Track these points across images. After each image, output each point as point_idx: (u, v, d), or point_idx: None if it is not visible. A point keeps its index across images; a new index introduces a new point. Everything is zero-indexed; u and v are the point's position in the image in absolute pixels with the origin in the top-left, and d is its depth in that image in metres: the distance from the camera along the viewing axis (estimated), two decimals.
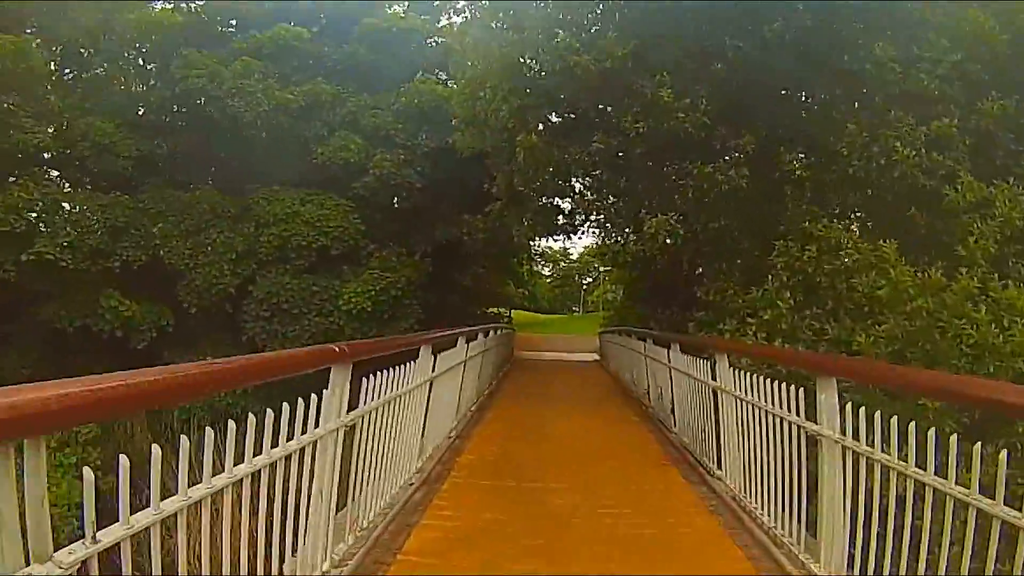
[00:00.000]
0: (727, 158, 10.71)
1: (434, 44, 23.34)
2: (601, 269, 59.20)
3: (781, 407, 4.09)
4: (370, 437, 4.03)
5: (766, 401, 4.36)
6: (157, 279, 19.09)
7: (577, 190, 16.16)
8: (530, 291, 58.79)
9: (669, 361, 8.12)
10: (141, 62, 22.49)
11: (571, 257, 72.93)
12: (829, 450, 3.45)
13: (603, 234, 19.25)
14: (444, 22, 23.54)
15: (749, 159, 10.53)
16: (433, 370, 5.69)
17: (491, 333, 11.28)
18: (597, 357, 22.47)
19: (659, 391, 9.18)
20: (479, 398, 9.97)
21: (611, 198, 14.82)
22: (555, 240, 23.31)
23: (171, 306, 19.14)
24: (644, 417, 9.61)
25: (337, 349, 3.27)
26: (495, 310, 28.82)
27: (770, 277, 9.40)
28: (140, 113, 21.04)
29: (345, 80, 21.86)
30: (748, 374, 4.84)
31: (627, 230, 16.19)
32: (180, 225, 19.31)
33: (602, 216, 16.67)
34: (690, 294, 12.09)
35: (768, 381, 4.38)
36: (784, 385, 4.11)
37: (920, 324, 7.17)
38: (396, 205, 21.82)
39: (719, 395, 5.55)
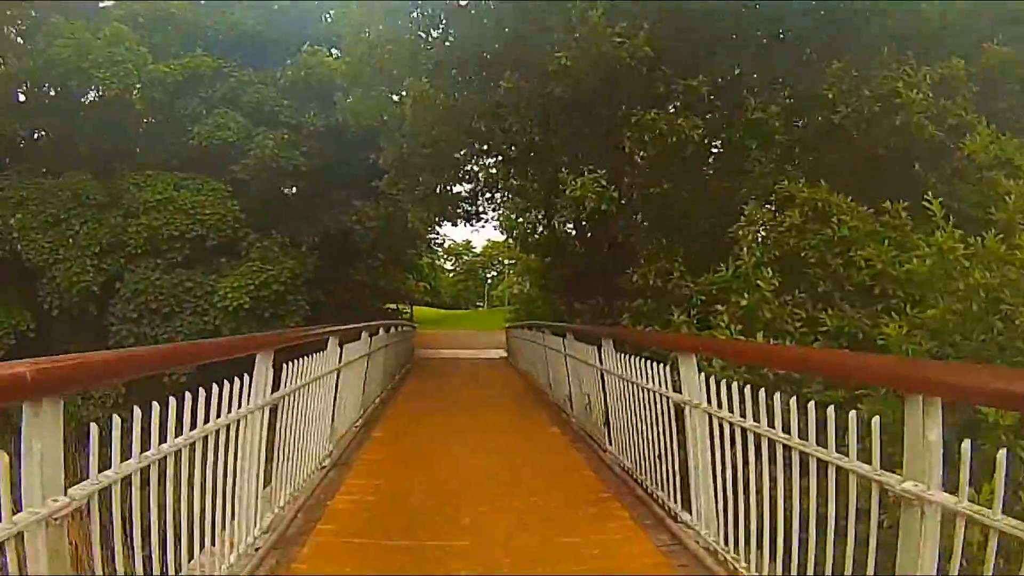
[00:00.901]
0: (677, 105, 9.60)
1: (326, 19, 23.58)
2: (506, 262, 60.47)
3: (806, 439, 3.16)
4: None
5: (784, 431, 3.32)
6: (15, 278, 18.64)
7: (478, 164, 15.76)
8: (432, 286, 59.33)
9: (600, 363, 6.95)
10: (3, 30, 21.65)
11: (474, 250, 74.56)
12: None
13: (512, 211, 19.07)
14: None
15: (702, 105, 9.52)
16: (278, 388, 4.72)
17: (381, 332, 10.77)
18: (504, 354, 22.83)
19: (586, 399, 7.93)
20: (364, 411, 9.03)
21: (522, 163, 13.18)
22: (455, 227, 23.76)
23: (32, 308, 18.73)
24: (566, 428, 8.61)
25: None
26: (393, 306, 29.35)
27: (744, 250, 8.04)
28: None
29: (228, 52, 21.83)
30: (732, 384, 3.89)
31: (542, 203, 14.74)
32: (40, 215, 18.86)
33: (511, 186, 15.23)
34: (620, 280, 10.73)
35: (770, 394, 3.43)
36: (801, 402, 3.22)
37: (976, 308, 5.83)
38: (279, 190, 21.96)
39: (687, 412, 4.47)
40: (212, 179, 20.40)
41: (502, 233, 23.53)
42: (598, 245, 13.06)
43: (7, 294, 18.49)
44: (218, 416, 3.33)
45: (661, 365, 5.04)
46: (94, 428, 2.39)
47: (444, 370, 18.15)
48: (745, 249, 8.00)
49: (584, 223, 13.44)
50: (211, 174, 20.52)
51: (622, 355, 6.05)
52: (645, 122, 9.08)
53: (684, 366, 4.49)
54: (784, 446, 3.29)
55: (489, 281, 76.29)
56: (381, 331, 10.57)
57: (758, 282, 7.50)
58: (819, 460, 3.02)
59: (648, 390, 5.25)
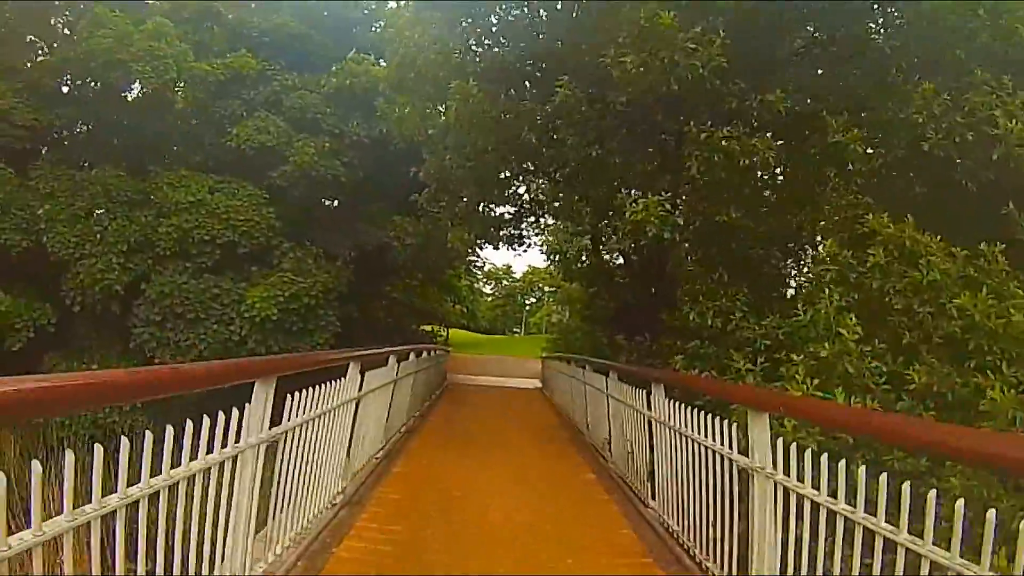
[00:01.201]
0: (752, 123, 8.90)
1: (376, 28, 23.50)
2: (546, 289, 60.09)
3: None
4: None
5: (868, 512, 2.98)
6: (39, 269, 18.72)
7: (525, 183, 15.48)
8: (469, 309, 59.09)
9: (648, 409, 6.38)
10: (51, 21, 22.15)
11: (514, 275, 74.63)
12: None
13: (558, 236, 18.49)
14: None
15: (777, 125, 8.85)
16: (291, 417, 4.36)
17: (412, 356, 10.23)
18: (539, 384, 22.30)
19: (628, 446, 7.33)
20: (387, 441, 8.55)
21: (573, 183, 12.19)
22: (496, 250, 23.42)
23: (54, 303, 18.76)
24: (603, 474, 8.03)
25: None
26: (428, 328, 29.11)
27: (825, 292, 7.31)
28: (39, 77, 20.59)
29: (273, 55, 21.97)
30: (806, 449, 3.46)
31: (591, 228, 14.25)
32: (68, 208, 18.97)
33: (559, 209, 14.32)
34: (670, 317, 10.15)
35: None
36: None
37: None
38: (317, 200, 21.90)
39: (754, 478, 3.96)
40: (248, 184, 20.38)
41: (545, 259, 23.26)
42: (647, 277, 12.55)
43: (29, 286, 18.61)
44: (194, 459, 2.93)
45: (721, 420, 4.53)
46: (36, 467, 2.03)
47: (476, 399, 17.69)
48: (826, 291, 7.28)
49: (633, 252, 12.91)
50: (248, 179, 20.57)
51: (675, 403, 5.49)
52: (715, 141, 8.44)
53: (755, 426, 3.98)
54: (866, 528, 2.97)
55: (528, 308, 76.03)
56: (412, 355, 10.16)
57: (840, 330, 6.78)
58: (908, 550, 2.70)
59: (706, 447, 4.71)
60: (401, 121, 14.46)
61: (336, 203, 21.75)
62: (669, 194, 9.12)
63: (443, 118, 12.35)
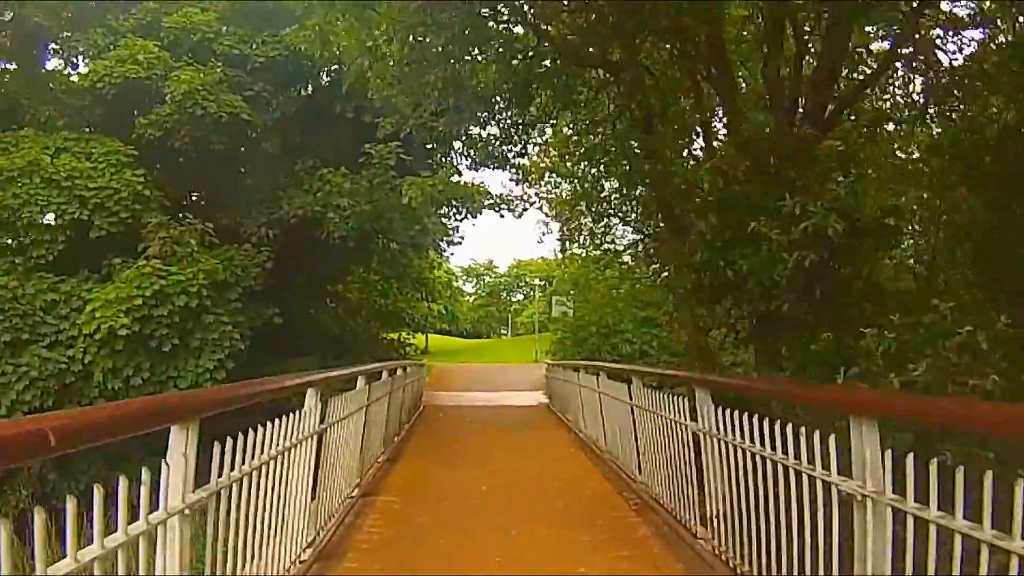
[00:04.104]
0: None
1: None
2: (536, 282, 54.12)
3: None
4: None
5: None
6: None
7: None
8: (449, 310, 52.66)
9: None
10: None
11: (497, 270, 68.50)
12: None
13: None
14: None
15: None
16: None
17: (360, 382, 6.44)
18: (543, 399, 17.46)
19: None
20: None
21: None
22: (475, 170, 17.15)
23: None
24: None
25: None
26: (395, 336, 22.28)
27: None
28: None
29: None
30: None
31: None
32: None
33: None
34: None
35: None
36: None
37: None
38: (210, 154, 14.66)
39: None
40: (107, 139, 13.85)
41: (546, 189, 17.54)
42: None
43: None
44: None
45: None
46: None
47: (460, 433, 11.66)
48: None
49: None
50: (109, 132, 14.17)
51: None
52: None
53: None
54: None
55: (515, 305, 69.38)
56: (361, 381, 6.48)
57: None
58: None
59: None
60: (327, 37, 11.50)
61: (240, 157, 15.26)
62: None
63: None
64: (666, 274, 10.69)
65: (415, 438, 10.51)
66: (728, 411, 4.32)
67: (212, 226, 13.41)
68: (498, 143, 13.77)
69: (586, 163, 13.57)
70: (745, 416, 4.06)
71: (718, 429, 4.46)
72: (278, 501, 3.77)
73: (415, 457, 8.98)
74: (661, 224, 11.00)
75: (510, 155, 14.41)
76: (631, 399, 7.06)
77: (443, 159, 16.73)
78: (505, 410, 16.29)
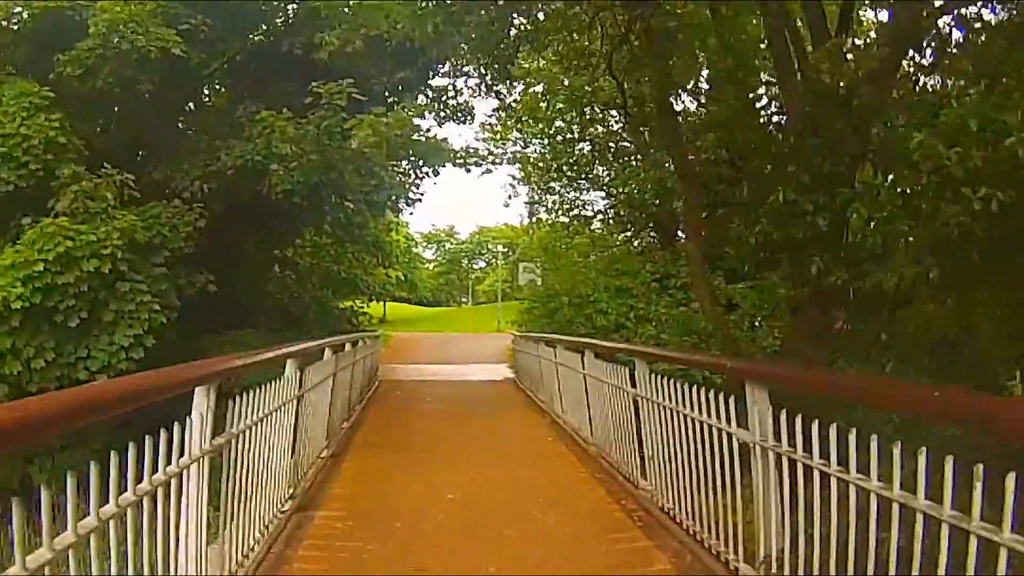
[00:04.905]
0: None
1: None
2: (500, 249, 52.83)
3: None
4: None
5: None
6: None
7: None
8: (407, 277, 51.01)
9: None
10: None
11: (458, 236, 66.91)
12: None
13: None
14: None
15: None
16: None
17: (294, 369, 5.24)
18: (509, 373, 16.80)
19: None
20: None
21: None
22: (440, 125, 15.81)
23: None
24: None
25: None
26: (348, 305, 20.78)
27: None
28: None
29: None
30: None
31: None
32: None
33: None
34: None
35: None
36: None
37: None
38: (138, 97, 13.06)
39: None
40: (21, 79, 12.02)
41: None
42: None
43: None
44: None
45: None
46: None
47: (419, 419, 10.24)
48: None
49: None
50: (22, 71, 12.49)
51: None
52: None
53: None
54: None
55: (476, 273, 67.96)
56: (291, 366, 5.20)
57: None
58: None
59: None
60: None
61: (168, 101, 13.52)
62: None
63: None
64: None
65: (366, 425, 9.19)
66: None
67: (134, 178, 11.63)
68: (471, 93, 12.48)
69: (564, 119, 12.42)
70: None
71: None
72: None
73: (365, 451, 7.60)
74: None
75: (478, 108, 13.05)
76: (633, 387, 5.83)
77: (402, 101, 15.26)
78: (469, 387, 15.21)
